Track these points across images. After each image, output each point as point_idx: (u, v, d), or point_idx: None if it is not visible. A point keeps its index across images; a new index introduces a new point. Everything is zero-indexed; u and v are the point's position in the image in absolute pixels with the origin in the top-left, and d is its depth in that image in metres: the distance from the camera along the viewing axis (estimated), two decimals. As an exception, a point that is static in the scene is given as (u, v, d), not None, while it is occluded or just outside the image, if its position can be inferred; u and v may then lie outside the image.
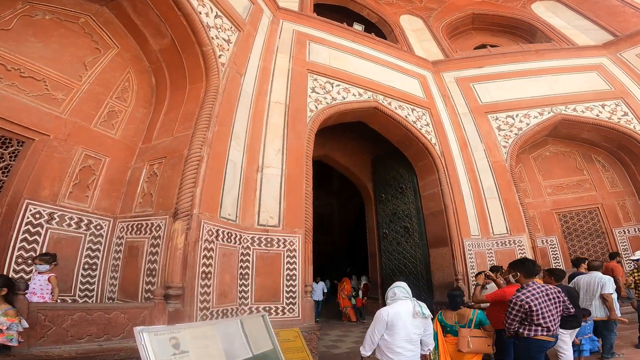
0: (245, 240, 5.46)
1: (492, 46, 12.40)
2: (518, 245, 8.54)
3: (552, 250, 9.97)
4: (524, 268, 3.36)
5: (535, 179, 10.52)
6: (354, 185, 16.75)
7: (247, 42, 7.33)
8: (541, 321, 3.07)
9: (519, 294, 3.18)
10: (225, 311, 4.82)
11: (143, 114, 6.24)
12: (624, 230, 9.89)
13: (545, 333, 3.10)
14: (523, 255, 8.49)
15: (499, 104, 10.03)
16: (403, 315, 2.72)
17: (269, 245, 5.60)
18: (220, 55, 6.41)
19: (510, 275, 4.11)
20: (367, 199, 10.84)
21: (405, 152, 9.45)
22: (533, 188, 10.40)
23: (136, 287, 4.58)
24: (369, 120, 9.24)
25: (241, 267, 5.28)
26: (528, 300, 3.09)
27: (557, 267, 9.45)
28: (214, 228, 4.88)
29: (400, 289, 2.96)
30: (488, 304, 4.63)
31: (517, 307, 3.14)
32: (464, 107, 10.16)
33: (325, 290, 11.16)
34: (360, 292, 10.47)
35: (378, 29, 12.69)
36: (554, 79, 10.24)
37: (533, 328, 3.11)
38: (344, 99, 8.45)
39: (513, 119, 9.82)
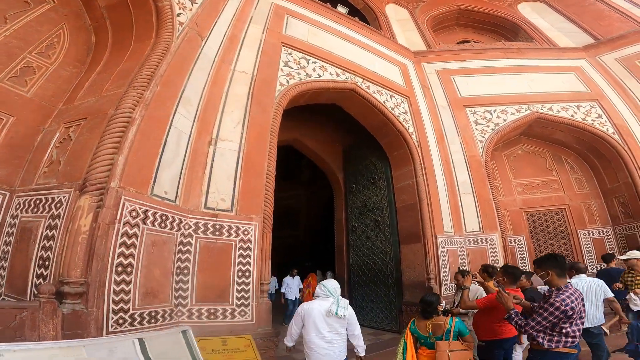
0: (186, 226, 4.27)
1: (474, 42, 11.88)
2: (490, 244, 7.95)
3: (519, 250, 9.54)
4: (557, 264, 2.58)
5: (506, 177, 10.05)
6: (324, 176, 15.86)
7: (217, 5, 6.34)
8: (569, 330, 2.41)
9: (563, 296, 2.39)
10: (153, 314, 3.63)
11: (71, 74, 5.18)
12: (588, 232, 9.66)
13: (569, 345, 2.44)
14: (494, 255, 7.92)
15: (478, 98, 9.50)
16: (314, 313, 2.71)
17: (217, 233, 4.43)
18: (180, 13, 5.43)
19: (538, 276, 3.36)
20: (337, 190, 9.88)
21: (380, 140, 8.59)
22: (504, 186, 9.92)
23: (25, 281, 3.28)
24: (345, 104, 8.27)
25: (179, 259, 4.09)
26: (573, 305, 2.36)
27: (524, 267, 9.00)
28: (140, 208, 3.66)
29: (321, 287, 2.93)
30: (475, 311, 3.80)
31: (557, 313, 2.36)
32: (442, 99, 9.51)
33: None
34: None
35: (362, 16, 11.76)
36: (532, 77, 9.84)
37: (556, 339, 2.43)
38: (320, 76, 7.47)
39: (491, 114, 9.28)
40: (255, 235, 4.61)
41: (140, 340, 1.92)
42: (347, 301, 2.89)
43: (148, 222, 3.68)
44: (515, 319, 2.56)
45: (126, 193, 3.51)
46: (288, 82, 6.86)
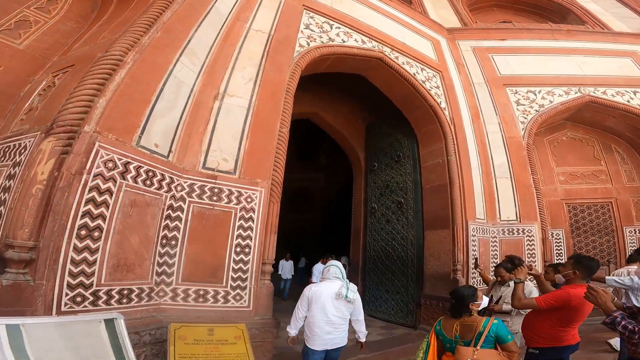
0: (178, 188, 3.59)
1: (516, 23, 10.61)
2: (527, 236, 6.96)
3: (557, 245, 8.44)
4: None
5: (548, 164, 8.88)
6: (342, 160, 15.00)
7: (235, -38, 5.69)
8: None
9: None
10: (126, 292, 2.98)
11: (72, 28, 4.84)
12: (635, 230, 8.44)
13: None
14: (531, 249, 6.93)
15: (521, 77, 8.41)
16: (324, 295, 2.59)
17: (215, 198, 3.73)
18: (193, -33, 4.77)
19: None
20: (357, 169, 9.03)
21: (408, 114, 7.65)
22: (545, 174, 8.76)
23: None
24: (371, 74, 7.36)
25: (166, 227, 3.43)
26: None
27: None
28: (120, 159, 2.99)
29: (334, 268, 2.76)
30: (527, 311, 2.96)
31: None
32: (479, 77, 8.47)
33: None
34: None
35: (392, -9, 10.61)
36: (584, 60, 8.69)
37: None
38: (344, 42, 6.64)
39: (535, 94, 8.14)
40: (260, 204, 3.88)
41: (12, 328, 1.15)
42: (355, 285, 2.77)
43: (128, 177, 3.00)
44: (624, 322, 1.74)
45: (103, 139, 2.83)
46: (308, 44, 6.06)
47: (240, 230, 3.74)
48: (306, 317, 2.68)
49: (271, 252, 3.94)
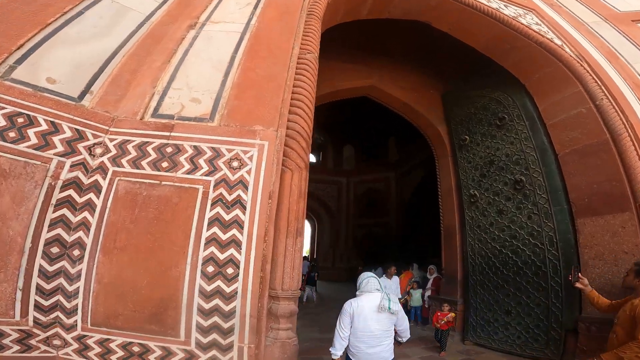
0: (96, 149, 1.96)
1: None
2: None
3: None
4: None
5: None
6: (416, 147, 12.51)
7: None
8: None
9: None
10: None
11: None
12: None
13: None
14: None
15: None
16: (366, 309, 2.38)
17: (164, 165, 2.04)
18: None
19: None
20: (440, 148, 6.58)
21: (503, 61, 5.18)
22: None
23: None
24: (433, 16, 5.22)
25: (59, 220, 1.73)
26: None
27: None
28: None
29: (374, 280, 2.51)
30: None
31: None
32: (591, 16, 5.95)
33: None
34: (426, 293, 6.34)
35: None
36: None
37: None
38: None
39: None
40: (261, 172, 2.08)
41: None
42: (395, 296, 2.58)
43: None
44: None
45: None
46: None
47: (216, 228, 1.96)
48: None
49: (292, 273, 2.14)
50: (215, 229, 2.00)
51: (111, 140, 1.98)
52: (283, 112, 2.24)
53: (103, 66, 2.08)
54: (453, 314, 4.55)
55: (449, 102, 6.60)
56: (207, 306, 1.87)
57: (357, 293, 2.55)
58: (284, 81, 2.38)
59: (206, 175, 2.04)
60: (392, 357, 2.45)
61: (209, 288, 1.90)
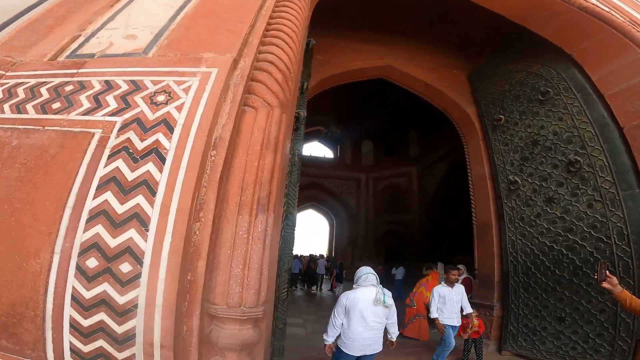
0: None
1: None
2: None
3: None
4: None
5: None
6: (439, 137, 11.66)
7: None
8: None
9: None
10: None
11: None
12: None
13: None
14: None
15: None
16: (361, 301, 2.49)
17: (55, 106, 1.38)
18: None
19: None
20: (469, 132, 5.78)
21: (540, 30, 4.46)
22: None
23: None
24: None
25: None
26: None
27: None
28: None
29: (371, 276, 2.62)
30: None
31: None
32: None
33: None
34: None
35: None
36: None
37: None
38: None
39: None
40: (199, 106, 1.40)
41: None
42: (389, 291, 2.63)
43: None
44: None
45: None
46: None
47: (109, 194, 1.28)
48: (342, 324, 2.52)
49: (248, 278, 1.41)
50: (107, 196, 1.23)
51: (2, 85, 1.44)
52: (251, 41, 1.62)
53: (20, 15, 1.56)
54: (476, 322, 3.82)
55: (477, 80, 5.83)
56: (85, 322, 1.18)
57: (354, 286, 2.61)
58: (257, 8, 1.75)
59: (111, 115, 1.35)
60: (381, 348, 2.55)
61: (88, 293, 1.17)
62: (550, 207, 3.98)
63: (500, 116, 4.99)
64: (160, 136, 1.33)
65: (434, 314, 3.59)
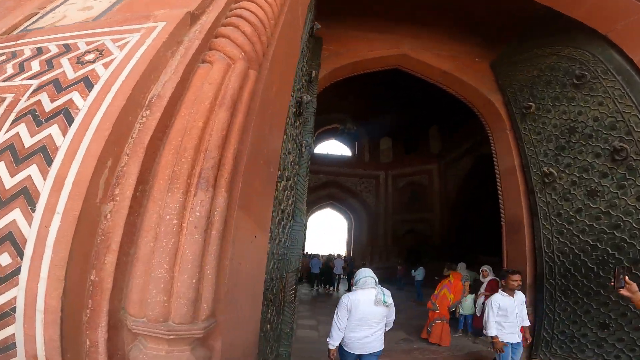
0: None
1: None
2: None
3: None
4: None
5: None
6: (461, 131, 11.16)
7: None
8: None
9: None
10: None
11: None
12: None
13: None
14: None
15: None
16: (362, 302, 2.54)
17: None
18: None
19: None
20: (495, 122, 5.34)
21: (572, 12, 4.06)
22: None
23: None
24: None
25: None
26: None
27: None
28: None
29: (370, 279, 2.65)
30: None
31: None
32: None
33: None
34: (479, 299, 5.14)
35: None
36: None
37: None
38: None
39: None
40: (131, 60, 1.10)
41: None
42: (388, 290, 2.65)
43: None
44: None
45: None
46: None
47: (1, 163, 0.98)
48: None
49: (178, 284, 1.01)
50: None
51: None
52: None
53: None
54: None
55: (501, 67, 5.43)
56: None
57: (353, 288, 2.67)
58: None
59: (30, 78, 1.12)
60: (382, 347, 2.58)
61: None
62: (593, 202, 3.53)
63: (530, 103, 4.57)
64: (75, 95, 1.04)
65: (492, 331, 2.95)
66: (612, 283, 1.89)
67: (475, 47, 5.68)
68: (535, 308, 4.15)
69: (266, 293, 1.69)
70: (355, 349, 2.49)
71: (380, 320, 2.57)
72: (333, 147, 16.77)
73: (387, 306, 2.56)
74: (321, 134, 15.80)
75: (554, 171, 3.98)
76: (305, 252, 15.75)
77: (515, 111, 4.86)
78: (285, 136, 2.00)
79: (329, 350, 2.50)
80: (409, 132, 14.39)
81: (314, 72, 3.56)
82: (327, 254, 15.41)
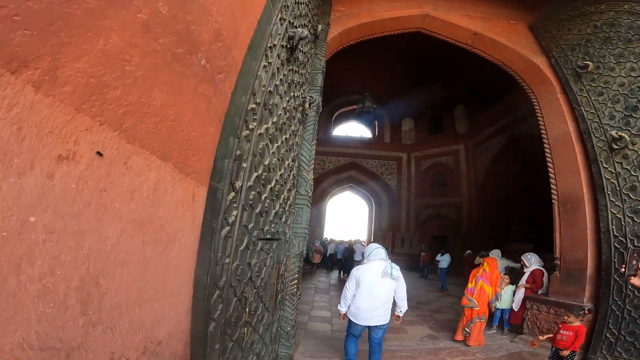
0: None
1: None
2: None
3: None
4: None
5: None
6: (494, 116, 10.21)
7: None
8: None
9: None
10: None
11: None
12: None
13: None
14: None
15: None
16: (368, 274, 2.64)
17: None
18: None
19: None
20: (541, 87, 4.49)
21: None
22: None
23: None
24: None
25: None
26: None
27: None
28: None
29: (382, 251, 2.78)
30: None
31: None
32: None
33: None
34: (519, 291, 4.44)
35: None
36: None
37: None
38: None
39: None
40: None
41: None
42: (397, 266, 2.74)
43: None
44: None
45: None
46: None
47: None
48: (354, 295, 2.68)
49: None
50: None
51: None
52: None
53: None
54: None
55: (545, 28, 4.60)
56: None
57: (364, 261, 2.75)
58: None
59: None
60: (388, 321, 2.65)
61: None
62: (684, 171, 2.75)
63: (587, 62, 3.75)
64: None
65: None
66: (623, 269, 1.67)
67: (511, 9, 4.85)
68: (597, 304, 3.45)
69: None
70: (361, 319, 2.58)
71: (388, 294, 2.63)
72: (352, 130, 16.09)
73: (393, 279, 2.61)
74: (340, 116, 15.09)
75: (625, 135, 3.18)
76: (324, 237, 15.26)
77: (567, 73, 4.03)
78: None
79: (340, 314, 2.75)
80: (433, 112, 13.41)
81: (320, 26, 2.94)
82: (347, 241, 14.87)
